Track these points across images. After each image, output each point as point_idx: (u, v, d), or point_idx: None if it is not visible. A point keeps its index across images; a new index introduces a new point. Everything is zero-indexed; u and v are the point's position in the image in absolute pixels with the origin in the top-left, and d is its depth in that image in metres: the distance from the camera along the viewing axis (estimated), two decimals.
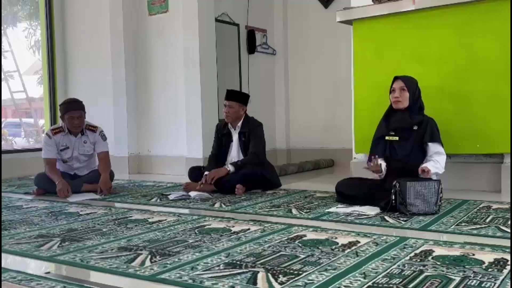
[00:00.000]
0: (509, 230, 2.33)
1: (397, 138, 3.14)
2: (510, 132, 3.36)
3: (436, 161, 3.02)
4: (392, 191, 2.82)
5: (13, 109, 8.29)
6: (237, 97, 4.05)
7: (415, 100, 3.17)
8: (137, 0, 5.66)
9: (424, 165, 2.97)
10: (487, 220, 2.60)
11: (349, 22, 4.01)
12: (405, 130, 3.13)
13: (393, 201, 2.82)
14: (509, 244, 2.05)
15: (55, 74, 6.18)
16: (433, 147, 3.07)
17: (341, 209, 2.97)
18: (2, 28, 7.18)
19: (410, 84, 3.17)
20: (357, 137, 4.00)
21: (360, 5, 3.93)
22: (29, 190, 4.18)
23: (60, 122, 4.29)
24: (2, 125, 8.19)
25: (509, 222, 2.50)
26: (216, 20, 5.58)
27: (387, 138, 3.18)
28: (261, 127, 4.07)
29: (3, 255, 2.17)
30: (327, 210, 2.98)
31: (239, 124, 4.03)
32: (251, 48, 6.31)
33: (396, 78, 3.21)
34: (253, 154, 3.93)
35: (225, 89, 4.21)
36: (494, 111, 3.44)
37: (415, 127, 3.11)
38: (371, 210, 2.87)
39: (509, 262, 1.80)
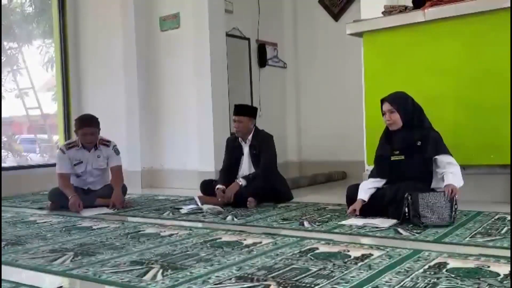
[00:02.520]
0: None
1: (402, 157, 3.04)
2: (510, 140, 3.32)
3: (454, 174, 2.88)
4: (405, 203, 2.79)
5: (28, 125, 8.41)
6: (246, 111, 4.06)
7: (410, 116, 3.05)
8: (149, 16, 5.75)
9: (447, 182, 2.82)
10: (502, 231, 2.56)
11: (359, 34, 4.02)
12: (409, 148, 3.02)
13: (407, 214, 2.79)
14: None
15: (69, 90, 6.25)
16: (443, 159, 2.95)
17: (354, 221, 2.95)
18: (18, 44, 7.32)
19: (398, 103, 3.04)
20: (369, 149, 3.97)
21: (370, 18, 3.94)
22: (42, 205, 4.21)
23: (74, 137, 4.34)
24: (18, 142, 8.30)
25: None
26: (227, 34, 5.64)
27: (392, 158, 3.08)
28: (272, 140, 4.07)
29: (17, 269, 2.20)
30: (339, 223, 2.96)
31: (249, 137, 4.04)
32: (262, 61, 6.35)
33: (382, 101, 3.11)
34: (265, 167, 3.93)
35: (237, 102, 4.23)
36: (506, 121, 3.41)
37: (419, 143, 3.00)
38: (384, 223, 2.84)
39: None
